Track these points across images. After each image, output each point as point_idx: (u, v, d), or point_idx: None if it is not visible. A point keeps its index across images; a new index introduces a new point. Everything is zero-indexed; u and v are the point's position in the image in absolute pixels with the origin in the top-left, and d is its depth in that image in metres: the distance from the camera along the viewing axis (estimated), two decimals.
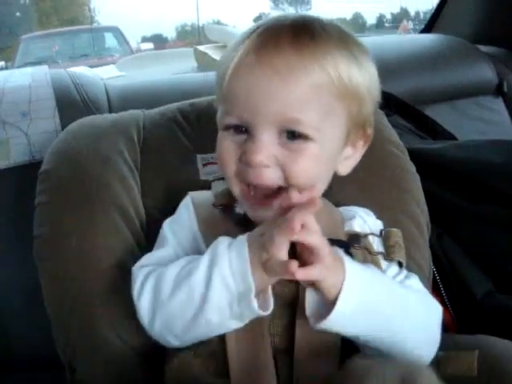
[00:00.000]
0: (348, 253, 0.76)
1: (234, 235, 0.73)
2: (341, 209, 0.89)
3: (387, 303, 0.73)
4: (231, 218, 0.82)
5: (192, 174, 1.00)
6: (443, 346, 0.87)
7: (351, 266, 0.70)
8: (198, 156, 1.03)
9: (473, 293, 1.05)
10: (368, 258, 0.82)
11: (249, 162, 0.72)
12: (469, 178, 1.14)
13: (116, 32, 7.16)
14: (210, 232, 0.79)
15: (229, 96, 0.75)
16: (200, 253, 0.74)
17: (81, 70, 1.49)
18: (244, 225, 0.79)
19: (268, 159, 0.72)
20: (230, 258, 0.69)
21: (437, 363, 0.82)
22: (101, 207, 0.93)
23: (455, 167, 1.16)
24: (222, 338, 0.73)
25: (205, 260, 0.71)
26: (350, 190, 0.97)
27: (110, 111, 1.24)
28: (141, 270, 0.77)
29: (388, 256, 0.84)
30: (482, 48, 1.66)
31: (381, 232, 0.86)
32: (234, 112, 0.74)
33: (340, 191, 0.94)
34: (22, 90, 1.22)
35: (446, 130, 1.33)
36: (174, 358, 0.78)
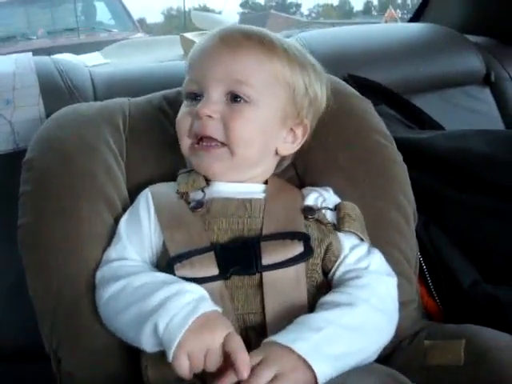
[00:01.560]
0: (307, 244, 0.82)
1: (189, 220, 0.84)
2: (305, 188, 0.96)
3: (354, 348, 0.76)
4: (188, 204, 0.88)
5: (177, 162, 1.00)
6: (430, 335, 0.87)
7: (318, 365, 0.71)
8: None
9: (459, 282, 1.05)
10: (321, 228, 0.86)
11: (197, 114, 0.86)
12: (456, 168, 1.14)
13: (112, 0, 5.22)
14: (167, 219, 0.86)
15: (190, 67, 0.92)
16: (160, 240, 0.84)
17: (65, 57, 1.47)
18: (199, 210, 0.86)
19: (213, 113, 0.86)
20: (174, 316, 0.73)
21: (423, 352, 0.83)
22: (86, 196, 0.93)
23: (442, 156, 1.15)
24: None
25: (161, 294, 0.76)
26: (337, 180, 0.98)
27: (95, 99, 1.22)
28: (101, 273, 0.85)
29: (339, 227, 0.87)
30: (471, 38, 1.65)
31: (334, 207, 0.90)
32: (192, 77, 0.90)
33: (326, 181, 0.96)
34: (5, 77, 1.20)
35: (433, 119, 1.33)
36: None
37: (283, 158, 0.97)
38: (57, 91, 1.20)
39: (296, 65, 0.91)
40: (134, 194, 0.96)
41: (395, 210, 0.97)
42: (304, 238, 0.82)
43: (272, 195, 0.90)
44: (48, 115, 1.09)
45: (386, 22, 4.59)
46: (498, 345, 0.79)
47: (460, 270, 1.06)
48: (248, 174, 0.91)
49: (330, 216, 0.90)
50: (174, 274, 0.79)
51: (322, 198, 0.92)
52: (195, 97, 0.89)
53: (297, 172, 1.02)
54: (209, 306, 0.74)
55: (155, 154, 1.01)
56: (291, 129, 0.93)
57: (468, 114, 1.53)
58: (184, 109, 0.91)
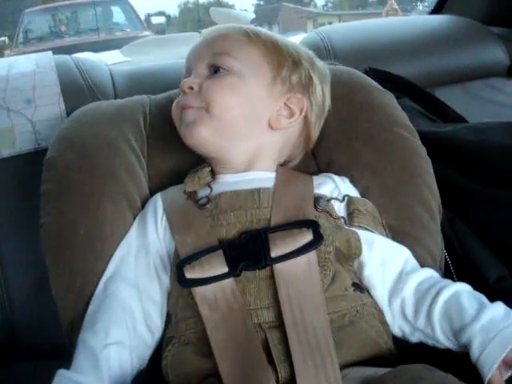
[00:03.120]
0: (317, 232, 0.79)
1: (197, 220, 0.84)
2: (321, 175, 0.96)
3: None
4: (196, 203, 0.87)
5: (199, 159, 0.99)
6: None
7: None
8: None
9: (485, 277, 1.03)
10: (331, 220, 0.85)
11: (181, 89, 0.91)
12: (480, 161, 1.12)
13: (125, 5, 6.95)
14: (177, 222, 0.87)
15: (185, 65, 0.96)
16: (172, 244, 0.85)
17: (85, 56, 1.47)
18: (207, 207, 0.86)
19: (193, 84, 0.90)
20: None
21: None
22: (108, 196, 0.93)
23: (466, 150, 1.13)
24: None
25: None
26: (359, 175, 0.96)
27: (116, 97, 1.22)
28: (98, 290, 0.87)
29: (349, 221, 0.87)
30: (493, 29, 1.62)
31: (343, 198, 0.89)
32: (186, 68, 0.95)
33: (349, 176, 0.95)
34: (26, 77, 1.20)
35: (456, 112, 1.31)
36: (170, 346, 0.81)
37: (293, 148, 0.97)
38: (77, 89, 1.20)
39: (283, 47, 0.93)
40: (155, 192, 0.96)
41: (419, 205, 0.96)
42: (313, 226, 0.80)
43: (281, 184, 0.89)
44: (69, 114, 1.09)
45: (386, 12, 4.55)
46: None
47: (486, 266, 1.04)
48: (241, 146, 0.91)
49: (339, 209, 0.89)
50: (184, 277, 0.78)
51: (337, 190, 0.91)
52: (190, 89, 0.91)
53: (319, 167, 1.01)
54: None
55: (176, 151, 1.01)
56: (285, 103, 0.92)
57: (492, 106, 1.51)
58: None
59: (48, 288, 0.90)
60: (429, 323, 0.81)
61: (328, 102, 0.97)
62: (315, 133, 0.97)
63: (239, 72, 0.89)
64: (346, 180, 0.95)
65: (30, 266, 1.08)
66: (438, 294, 0.81)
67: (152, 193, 0.97)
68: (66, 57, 1.31)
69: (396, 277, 0.86)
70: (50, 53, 1.30)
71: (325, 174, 0.96)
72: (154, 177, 0.99)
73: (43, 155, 0.98)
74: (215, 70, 0.90)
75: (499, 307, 0.77)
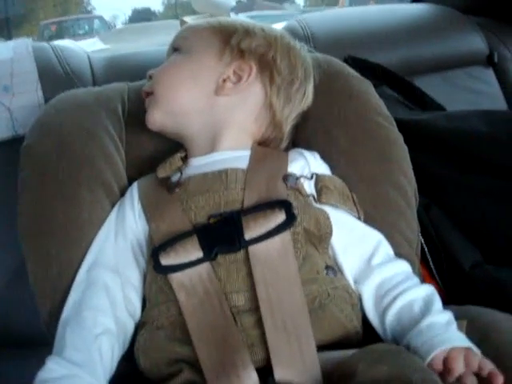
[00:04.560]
0: (289, 212, 0.79)
1: (169, 205, 0.84)
2: (293, 151, 0.96)
3: None
4: (167, 187, 0.88)
5: (177, 147, 0.99)
6: None
7: None
8: None
9: (461, 264, 1.04)
10: (300, 199, 0.85)
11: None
12: (457, 149, 1.13)
13: (101, 19, 11.82)
14: (151, 209, 0.87)
15: None
16: (145, 229, 0.86)
17: (64, 43, 1.46)
18: (177, 191, 0.86)
19: (154, 71, 0.96)
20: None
21: None
22: (85, 183, 0.92)
23: (443, 137, 1.14)
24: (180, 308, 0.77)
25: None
26: (337, 162, 0.97)
27: (94, 84, 1.21)
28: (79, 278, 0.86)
29: (318, 199, 0.87)
30: (473, 18, 1.63)
31: (312, 175, 0.89)
32: None
33: (327, 162, 0.96)
34: (3, 64, 1.19)
35: (434, 100, 1.31)
36: (143, 330, 0.82)
37: (258, 122, 0.96)
38: (55, 77, 1.19)
39: (237, 23, 0.98)
40: (133, 180, 0.96)
41: (395, 192, 0.96)
42: (285, 206, 0.80)
43: (255, 162, 0.89)
44: (46, 101, 1.08)
45: None
46: (500, 326, 0.78)
47: (461, 252, 1.06)
48: (196, 120, 0.93)
49: (308, 187, 0.89)
50: (160, 264, 0.78)
51: (307, 166, 0.91)
52: None
53: None
54: None
55: (155, 139, 1.01)
56: (234, 71, 0.93)
57: (471, 94, 1.52)
58: None
59: (26, 275, 0.90)
60: (381, 325, 0.82)
61: (308, 99, 0.98)
62: (281, 117, 0.95)
63: (187, 48, 0.95)
64: (317, 155, 0.95)
65: (7, 253, 1.07)
66: (394, 299, 0.81)
67: (130, 180, 0.97)
68: (44, 44, 1.30)
69: (362, 263, 0.86)
70: (28, 40, 1.29)
71: (296, 149, 0.96)
72: (132, 164, 0.99)
73: (21, 143, 0.97)
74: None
75: (443, 316, 0.78)
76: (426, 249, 1.05)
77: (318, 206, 0.87)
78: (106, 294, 0.83)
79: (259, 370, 0.71)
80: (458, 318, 0.79)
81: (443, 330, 0.75)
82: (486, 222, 1.08)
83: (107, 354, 0.78)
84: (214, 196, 0.83)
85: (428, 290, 0.83)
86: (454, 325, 0.76)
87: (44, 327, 0.89)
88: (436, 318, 0.77)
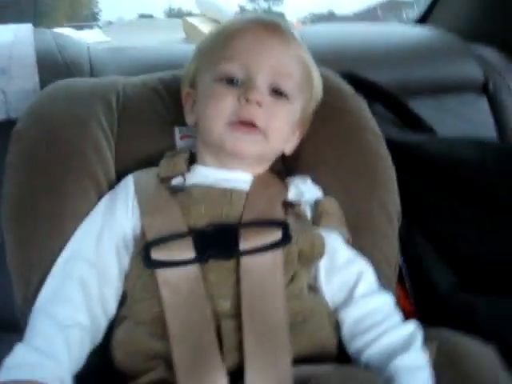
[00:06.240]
0: (286, 232, 0.82)
1: (168, 206, 0.85)
2: (287, 179, 0.97)
3: None
4: (168, 189, 0.88)
5: (168, 146, 1.00)
6: None
7: None
8: (176, 128, 1.03)
9: (437, 287, 1.05)
10: (297, 221, 0.87)
11: (249, 98, 0.85)
12: (444, 174, 1.14)
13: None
14: (147, 205, 0.87)
15: (233, 49, 0.89)
16: (137, 224, 0.85)
17: (65, 32, 1.46)
18: (179, 195, 0.87)
19: (263, 100, 0.86)
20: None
21: None
22: (72, 173, 0.92)
23: (431, 161, 1.15)
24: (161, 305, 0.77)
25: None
26: (323, 176, 0.98)
27: (92, 76, 1.21)
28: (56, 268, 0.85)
29: (317, 223, 0.89)
30: (473, 45, 1.65)
31: (314, 202, 0.92)
32: (238, 60, 0.88)
33: (313, 175, 0.98)
34: (3, 47, 1.19)
35: (426, 123, 1.32)
36: (120, 326, 0.82)
37: None
38: (53, 64, 1.19)
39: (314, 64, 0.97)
40: (122, 174, 0.95)
41: (378, 209, 0.98)
42: (282, 226, 0.82)
43: (256, 189, 0.90)
44: (42, 88, 1.08)
45: None
46: (469, 351, 0.79)
47: (438, 276, 1.06)
48: (254, 166, 0.93)
49: (309, 211, 0.91)
50: (151, 258, 0.79)
51: (300, 193, 0.93)
52: (232, 81, 0.88)
53: (285, 164, 1.02)
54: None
55: (146, 135, 1.01)
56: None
57: (462, 121, 1.53)
58: (218, 87, 0.88)
59: (4, 258, 0.90)
60: (356, 356, 0.82)
61: None
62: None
63: (293, 99, 0.91)
64: (308, 180, 0.97)
65: None
66: (373, 341, 0.80)
67: (118, 175, 0.96)
68: (46, 31, 1.30)
69: (344, 291, 0.86)
70: (29, 25, 1.29)
71: (288, 179, 0.97)
72: (120, 158, 0.98)
73: (13, 126, 0.97)
74: (275, 91, 0.89)
75: (419, 359, 0.77)
76: (404, 269, 1.06)
77: (315, 229, 0.88)
78: (82, 288, 0.82)
79: (232, 375, 0.72)
80: (428, 338, 0.80)
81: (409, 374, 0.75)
82: (466, 248, 1.08)
83: (75, 347, 0.78)
84: (216, 208, 0.85)
85: (409, 329, 0.81)
86: (424, 370, 0.76)
87: (18, 313, 0.89)
88: (409, 361, 0.77)
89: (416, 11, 2.00)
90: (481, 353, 0.79)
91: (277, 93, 0.89)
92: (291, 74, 0.90)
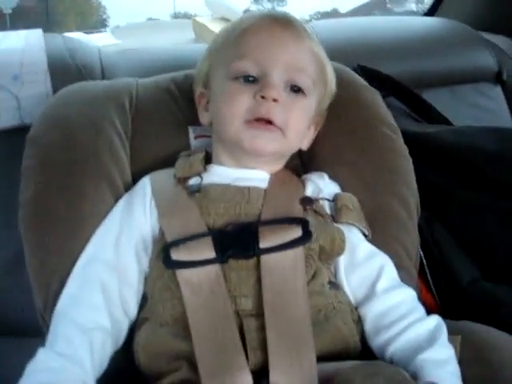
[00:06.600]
0: (306, 229, 0.81)
1: (186, 206, 0.85)
2: (303, 177, 0.97)
3: None
4: (185, 189, 0.88)
5: (182, 146, 1.00)
6: None
7: None
8: (190, 128, 1.02)
9: (459, 279, 1.04)
10: (318, 219, 0.86)
11: (264, 96, 0.84)
12: (462, 164, 1.13)
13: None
14: (164, 205, 0.87)
15: (246, 46, 0.88)
16: (157, 226, 0.85)
17: (76, 36, 1.46)
18: (196, 196, 0.86)
19: (280, 98, 0.85)
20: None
21: None
22: (89, 176, 0.92)
23: (449, 152, 1.14)
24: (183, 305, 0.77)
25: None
26: (340, 170, 0.98)
27: (103, 78, 1.21)
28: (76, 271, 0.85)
29: (337, 218, 0.88)
30: (485, 35, 1.63)
31: (333, 197, 0.91)
32: (252, 56, 0.87)
33: (330, 170, 0.96)
34: (14, 53, 1.19)
35: (442, 114, 1.31)
36: (142, 328, 0.82)
37: None
38: (65, 69, 1.19)
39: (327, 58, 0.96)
40: (137, 175, 0.95)
41: (398, 203, 0.97)
42: (302, 223, 0.81)
43: (273, 186, 0.90)
44: (55, 92, 1.08)
45: None
46: (494, 344, 0.78)
47: (460, 267, 1.06)
48: (271, 164, 0.92)
49: (328, 207, 0.90)
50: (170, 259, 0.79)
51: (318, 189, 0.93)
52: (248, 78, 0.87)
53: (302, 160, 1.01)
54: None
55: (160, 136, 1.01)
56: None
57: (477, 110, 1.52)
58: (234, 84, 0.87)
59: (23, 263, 0.90)
60: (381, 351, 0.81)
61: None
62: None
63: (310, 94, 0.90)
64: (325, 176, 0.96)
65: (6, 241, 1.06)
66: (399, 334, 0.79)
67: (134, 176, 0.96)
68: (56, 35, 1.30)
69: (366, 286, 0.85)
70: (39, 30, 1.30)
71: (305, 176, 0.97)
72: (135, 160, 0.98)
73: (27, 132, 0.97)
74: (292, 87, 0.88)
75: (444, 352, 0.76)
76: (424, 262, 1.05)
77: (335, 225, 0.88)
78: (102, 291, 0.82)
79: (256, 373, 0.71)
80: (452, 333, 0.80)
81: (436, 368, 0.74)
82: (486, 239, 1.08)
83: (98, 350, 0.78)
84: (235, 206, 0.84)
85: (433, 322, 0.80)
86: (451, 364, 0.75)
87: (39, 317, 0.89)
88: (435, 355, 0.75)
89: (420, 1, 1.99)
90: (508, 346, 0.78)
91: (293, 88, 0.88)
92: (306, 68, 0.89)
